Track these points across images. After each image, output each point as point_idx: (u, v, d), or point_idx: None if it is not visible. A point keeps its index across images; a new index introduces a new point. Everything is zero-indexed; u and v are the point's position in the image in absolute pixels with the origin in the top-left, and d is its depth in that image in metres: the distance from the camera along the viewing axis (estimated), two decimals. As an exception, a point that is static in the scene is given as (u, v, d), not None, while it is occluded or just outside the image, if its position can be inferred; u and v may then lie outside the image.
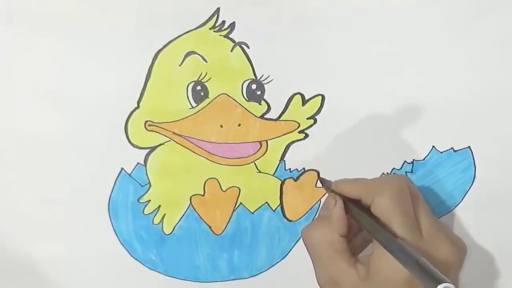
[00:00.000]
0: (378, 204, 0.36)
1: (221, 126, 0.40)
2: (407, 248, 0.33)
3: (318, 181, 0.41)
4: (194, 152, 0.40)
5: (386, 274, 0.34)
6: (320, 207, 0.41)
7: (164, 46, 0.39)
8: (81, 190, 0.40)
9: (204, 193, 0.41)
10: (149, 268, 0.41)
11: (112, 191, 0.40)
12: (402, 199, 0.36)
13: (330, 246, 0.37)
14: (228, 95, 0.40)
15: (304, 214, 0.41)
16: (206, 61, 0.40)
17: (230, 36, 0.40)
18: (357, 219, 0.36)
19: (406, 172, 0.41)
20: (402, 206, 0.36)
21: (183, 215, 0.41)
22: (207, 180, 0.41)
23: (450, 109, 0.41)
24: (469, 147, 0.41)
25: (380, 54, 0.40)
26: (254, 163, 0.41)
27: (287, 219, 0.41)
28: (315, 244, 0.37)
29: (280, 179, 0.41)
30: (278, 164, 0.41)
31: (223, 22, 0.40)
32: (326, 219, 0.37)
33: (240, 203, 0.41)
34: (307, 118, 0.41)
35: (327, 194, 0.41)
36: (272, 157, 0.41)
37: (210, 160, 0.40)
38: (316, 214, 0.41)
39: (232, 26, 0.40)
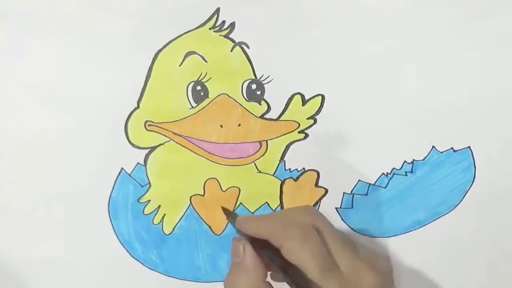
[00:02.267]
0: (288, 250, 0.34)
1: (221, 126, 0.40)
2: None
3: (228, 217, 0.38)
4: (194, 152, 0.40)
5: None
6: (230, 252, 0.36)
7: (164, 46, 0.39)
8: (81, 190, 0.40)
9: (204, 193, 0.41)
10: (149, 268, 0.41)
11: (112, 191, 0.40)
12: (310, 239, 0.34)
13: None
14: (228, 95, 0.40)
15: (304, 214, 0.41)
16: (206, 61, 0.40)
17: (230, 36, 0.40)
18: (271, 262, 0.35)
19: (406, 172, 0.41)
20: (313, 247, 0.34)
21: (183, 215, 0.41)
22: (207, 180, 0.41)
23: (450, 109, 0.41)
24: (469, 147, 0.41)
25: (380, 54, 0.40)
26: (254, 163, 0.41)
27: (287, 219, 0.41)
28: None
29: (280, 179, 0.41)
30: (278, 164, 0.41)
31: (223, 22, 0.40)
32: (241, 266, 0.35)
33: (240, 203, 0.41)
34: (307, 118, 0.41)
35: (327, 194, 0.41)
36: (272, 157, 0.41)
37: (210, 160, 0.41)
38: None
39: (232, 26, 0.40)
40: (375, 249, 0.40)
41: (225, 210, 0.38)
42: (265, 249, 0.35)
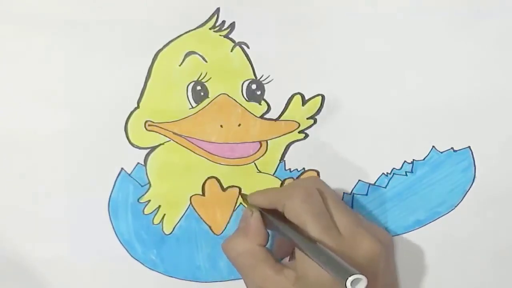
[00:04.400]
0: (289, 208, 0.36)
1: (221, 126, 0.40)
2: (320, 248, 0.33)
3: (244, 200, 0.40)
4: (194, 152, 0.40)
5: (312, 277, 0.34)
6: (240, 219, 0.40)
7: (164, 46, 0.39)
8: (81, 190, 0.40)
9: (204, 193, 0.41)
10: (149, 268, 0.41)
11: (112, 191, 0.40)
12: (312, 200, 0.36)
13: (252, 256, 0.36)
14: (228, 95, 0.40)
15: (304, 214, 0.41)
16: (206, 61, 0.40)
17: (230, 36, 0.40)
18: (274, 227, 0.37)
19: (406, 172, 0.41)
20: (314, 207, 0.36)
21: (183, 215, 0.41)
22: (207, 180, 0.41)
23: (450, 109, 0.41)
24: (469, 147, 0.41)
25: (380, 54, 0.40)
26: (254, 163, 0.41)
27: (287, 219, 0.41)
28: (236, 256, 0.37)
29: (280, 179, 0.41)
30: (278, 164, 0.41)
31: (223, 22, 0.40)
32: (243, 230, 0.38)
33: (240, 203, 0.41)
34: (307, 118, 0.41)
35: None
36: (272, 157, 0.41)
37: (210, 160, 0.41)
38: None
39: (232, 26, 0.40)
40: (377, 225, 0.41)
41: (242, 195, 0.40)
42: (273, 216, 0.36)
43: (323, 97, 0.41)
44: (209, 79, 0.40)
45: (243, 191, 0.41)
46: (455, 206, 0.42)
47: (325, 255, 0.32)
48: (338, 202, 0.37)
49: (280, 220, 0.36)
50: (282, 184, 0.41)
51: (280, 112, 0.40)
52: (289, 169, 0.41)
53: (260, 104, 0.40)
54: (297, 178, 0.41)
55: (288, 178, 0.41)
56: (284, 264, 0.37)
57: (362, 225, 0.37)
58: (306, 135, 0.41)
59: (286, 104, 0.40)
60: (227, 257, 0.38)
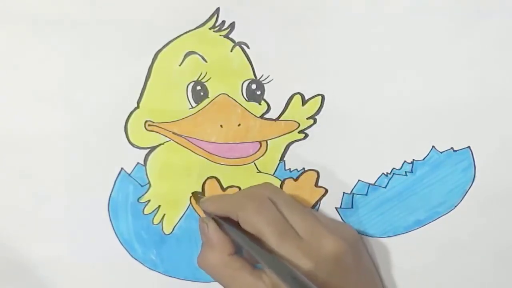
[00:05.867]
0: (243, 219, 0.35)
1: (221, 126, 0.40)
2: (277, 261, 0.33)
3: (197, 201, 0.40)
4: (194, 152, 0.40)
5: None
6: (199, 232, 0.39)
7: (164, 46, 0.39)
8: (81, 190, 0.40)
9: (204, 193, 0.41)
10: (149, 268, 0.41)
11: (112, 191, 0.40)
12: (265, 207, 0.36)
13: (226, 267, 0.36)
14: (228, 95, 0.40)
15: (304, 214, 0.41)
16: (206, 61, 0.40)
17: (230, 36, 0.40)
18: (232, 237, 0.36)
19: (406, 172, 0.41)
20: (267, 214, 0.35)
21: (183, 215, 0.41)
22: (207, 180, 0.41)
23: (450, 109, 0.41)
24: (469, 147, 0.41)
25: (380, 54, 0.40)
26: (254, 163, 0.41)
27: (287, 219, 0.41)
28: (212, 270, 0.37)
29: (280, 179, 0.41)
30: (278, 164, 0.41)
31: (223, 22, 0.40)
32: (207, 244, 0.37)
33: (190, 203, 0.41)
34: (307, 118, 0.41)
35: (327, 194, 0.41)
36: (272, 157, 0.41)
37: (210, 160, 0.41)
38: (316, 214, 0.41)
39: (232, 26, 0.40)
40: (339, 222, 0.41)
41: (194, 194, 0.40)
42: (228, 225, 0.36)
43: (323, 97, 0.41)
44: (209, 79, 0.40)
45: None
46: (455, 206, 0.42)
47: (284, 268, 0.32)
48: (292, 206, 0.37)
49: (237, 228, 0.36)
50: (282, 184, 0.41)
51: (280, 112, 0.40)
52: (289, 169, 0.41)
53: (260, 104, 0.40)
54: (296, 178, 0.41)
55: (288, 178, 0.41)
56: (261, 269, 0.36)
57: (322, 224, 0.36)
58: (306, 135, 0.41)
59: (286, 104, 0.40)
60: (206, 273, 0.37)
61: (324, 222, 0.37)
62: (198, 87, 0.40)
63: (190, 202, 0.41)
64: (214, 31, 0.40)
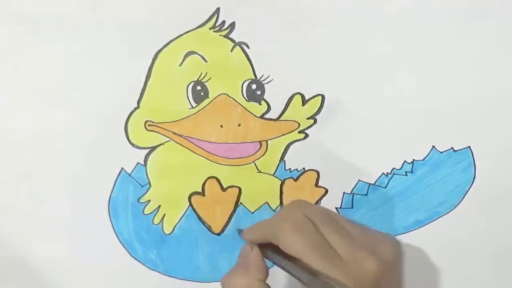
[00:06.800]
0: (283, 242, 0.35)
1: (221, 126, 0.40)
2: (321, 281, 0.32)
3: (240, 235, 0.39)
4: (194, 152, 0.40)
5: None
6: (238, 254, 0.38)
7: (164, 46, 0.39)
8: (81, 190, 0.40)
9: (204, 193, 0.41)
10: (149, 268, 0.41)
11: (112, 191, 0.40)
12: (303, 228, 0.35)
13: None
14: (228, 95, 0.40)
15: (304, 214, 0.41)
16: (206, 61, 0.40)
17: (230, 36, 0.40)
18: (274, 262, 0.36)
19: (406, 172, 0.41)
20: (306, 236, 0.35)
21: (183, 215, 0.41)
22: (207, 180, 0.41)
23: (450, 109, 0.41)
24: (469, 147, 0.41)
25: (380, 54, 0.40)
26: (254, 163, 0.41)
27: (287, 219, 0.41)
28: None
29: (280, 179, 0.41)
30: (278, 164, 0.41)
31: (223, 22, 0.40)
32: (243, 266, 0.36)
33: (240, 203, 0.41)
34: (307, 118, 0.41)
35: (327, 194, 0.41)
36: (272, 157, 0.41)
37: (210, 160, 0.41)
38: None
39: (232, 26, 0.40)
40: (379, 237, 0.39)
41: (238, 230, 0.40)
42: (271, 251, 0.36)
43: (323, 97, 0.41)
44: (209, 79, 0.40)
45: (245, 191, 0.41)
46: (455, 206, 0.42)
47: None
48: (331, 223, 0.36)
49: (280, 253, 0.35)
50: (282, 184, 0.41)
51: (280, 112, 0.41)
52: (289, 169, 0.41)
53: (260, 104, 0.40)
54: (296, 178, 0.41)
55: (288, 178, 0.41)
56: None
57: (361, 244, 0.36)
58: (306, 135, 0.41)
59: (286, 104, 0.40)
60: None
61: (367, 234, 0.37)
62: (198, 87, 0.40)
63: (190, 203, 0.41)
64: (214, 31, 0.40)
